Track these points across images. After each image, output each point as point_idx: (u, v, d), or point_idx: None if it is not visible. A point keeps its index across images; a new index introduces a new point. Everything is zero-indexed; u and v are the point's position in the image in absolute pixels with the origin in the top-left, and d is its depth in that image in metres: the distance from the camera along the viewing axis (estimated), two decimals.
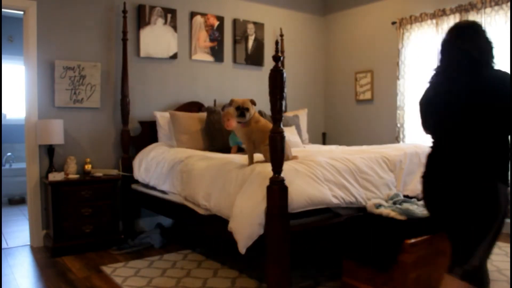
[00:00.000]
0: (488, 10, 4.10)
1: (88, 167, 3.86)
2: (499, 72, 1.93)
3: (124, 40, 4.09)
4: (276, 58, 2.28)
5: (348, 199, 2.69)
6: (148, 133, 4.25)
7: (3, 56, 6.18)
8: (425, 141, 4.59)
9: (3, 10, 3.76)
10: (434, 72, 2.09)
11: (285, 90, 2.33)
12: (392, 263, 2.32)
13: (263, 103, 4.55)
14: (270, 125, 2.60)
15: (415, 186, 3.29)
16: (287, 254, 2.29)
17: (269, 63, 5.21)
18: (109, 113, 4.20)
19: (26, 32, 3.80)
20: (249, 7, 5.17)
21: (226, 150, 3.80)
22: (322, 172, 2.64)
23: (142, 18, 4.32)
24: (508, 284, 2.79)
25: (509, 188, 1.86)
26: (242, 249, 2.40)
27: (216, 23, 4.86)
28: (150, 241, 3.79)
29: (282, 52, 5.29)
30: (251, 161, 2.75)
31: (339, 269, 2.69)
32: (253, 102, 2.83)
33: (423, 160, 3.43)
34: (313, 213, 2.55)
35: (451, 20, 4.41)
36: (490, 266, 3.04)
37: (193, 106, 4.55)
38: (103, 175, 3.85)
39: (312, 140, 5.60)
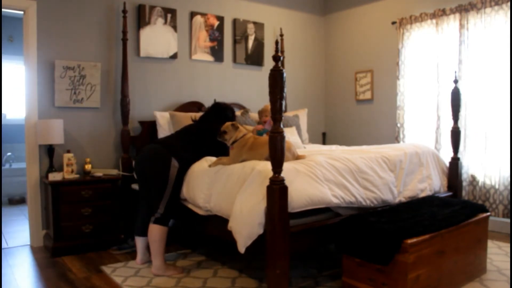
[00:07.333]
0: (488, 10, 4.10)
1: (88, 167, 3.86)
2: None
3: (124, 40, 4.08)
4: (276, 58, 2.27)
5: (348, 199, 2.69)
6: (148, 133, 4.25)
7: (3, 56, 6.19)
8: (425, 141, 4.63)
9: (3, 10, 3.76)
10: None
11: (285, 90, 2.33)
12: (392, 257, 2.31)
13: (263, 103, 4.56)
14: (258, 142, 2.83)
15: (415, 186, 3.29)
16: (286, 254, 2.29)
17: (269, 63, 5.21)
18: (109, 113, 4.20)
19: (26, 32, 3.81)
20: (249, 7, 5.17)
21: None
22: (322, 171, 2.64)
23: (142, 18, 4.32)
24: (508, 284, 2.78)
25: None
26: (241, 248, 2.40)
27: (216, 23, 4.87)
28: None
29: (282, 52, 5.29)
30: (213, 164, 2.96)
31: (339, 269, 2.69)
32: (226, 128, 3.00)
33: (423, 160, 3.45)
34: (313, 213, 2.56)
35: (451, 20, 4.42)
36: (490, 266, 3.06)
37: (193, 106, 4.55)
38: (103, 175, 3.85)
39: (312, 140, 5.61)
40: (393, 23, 5.00)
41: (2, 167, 6.36)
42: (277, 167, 2.27)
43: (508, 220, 4.05)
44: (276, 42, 2.31)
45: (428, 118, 4.67)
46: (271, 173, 2.29)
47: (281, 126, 2.27)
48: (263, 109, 3.92)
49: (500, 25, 4.03)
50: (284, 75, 2.26)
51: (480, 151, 4.20)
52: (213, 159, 3.06)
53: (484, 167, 4.16)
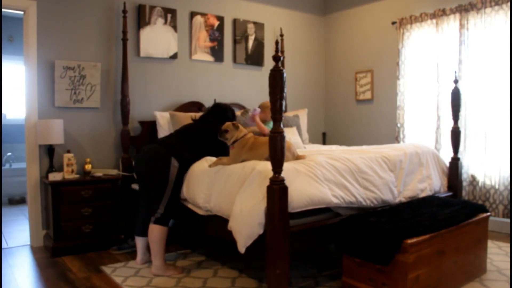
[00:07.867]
0: (488, 10, 4.10)
1: (88, 167, 3.86)
2: None
3: (124, 40, 4.08)
4: (276, 58, 2.27)
5: (348, 199, 2.69)
6: (148, 133, 4.25)
7: (3, 56, 6.19)
8: (425, 141, 4.62)
9: (3, 10, 3.76)
10: None
11: (285, 90, 2.33)
12: (392, 257, 2.31)
13: None
14: (258, 142, 2.84)
15: (415, 186, 3.30)
16: (286, 254, 2.29)
17: (269, 63, 5.22)
18: (109, 113, 4.20)
19: (26, 32, 3.81)
20: (249, 7, 5.17)
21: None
22: (322, 171, 2.64)
23: (142, 18, 4.32)
24: (508, 284, 2.78)
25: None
26: (241, 248, 2.40)
27: (216, 23, 4.87)
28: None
29: (282, 52, 5.29)
30: (213, 164, 2.95)
31: (339, 269, 2.69)
32: (227, 127, 2.98)
33: (423, 160, 3.45)
34: (313, 213, 2.56)
35: (451, 20, 4.41)
36: (490, 266, 3.06)
37: (193, 106, 4.55)
38: (103, 175, 3.85)
39: (312, 140, 5.61)
40: (393, 23, 5.00)
41: (2, 167, 6.36)
42: (277, 167, 2.27)
43: (508, 220, 4.05)
44: (276, 42, 2.31)
45: (428, 118, 4.67)
46: (271, 173, 2.29)
47: (281, 126, 2.27)
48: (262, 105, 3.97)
49: (500, 25, 4.03)
50: (284, 75, 2.26)
51: (480, 151, 4.20)
52: (213, 159, 3.07)
53: (484, 167, 4.16)
